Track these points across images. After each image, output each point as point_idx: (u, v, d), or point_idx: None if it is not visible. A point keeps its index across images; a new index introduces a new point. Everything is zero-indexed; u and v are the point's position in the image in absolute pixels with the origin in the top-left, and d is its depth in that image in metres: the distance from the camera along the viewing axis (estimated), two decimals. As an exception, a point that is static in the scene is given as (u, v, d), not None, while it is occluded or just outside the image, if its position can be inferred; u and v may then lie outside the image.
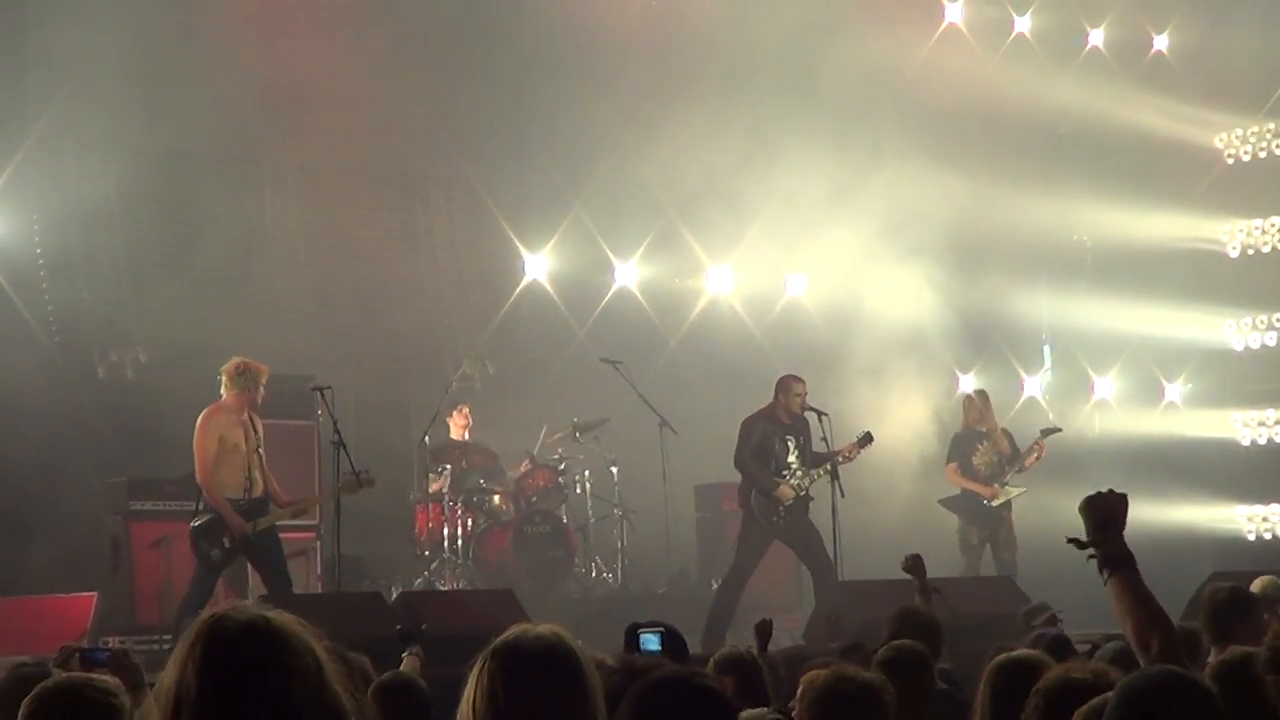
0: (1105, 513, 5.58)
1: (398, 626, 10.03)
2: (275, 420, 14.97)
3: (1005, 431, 17.97)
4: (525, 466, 19.05)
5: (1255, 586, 11.71)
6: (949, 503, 17.70)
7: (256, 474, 14.26)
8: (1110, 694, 4.41)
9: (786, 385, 16.32)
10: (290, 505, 14.57)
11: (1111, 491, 5.63)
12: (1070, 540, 5.61)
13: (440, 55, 20.32)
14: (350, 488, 14.24)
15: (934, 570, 15.23)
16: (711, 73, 20.47)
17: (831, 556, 15.97)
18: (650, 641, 6.18)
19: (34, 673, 6.62)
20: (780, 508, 16.00)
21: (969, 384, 23.05)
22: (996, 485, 17.37)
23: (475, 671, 3.84)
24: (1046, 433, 17.82)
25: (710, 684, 4.53)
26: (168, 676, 3.38)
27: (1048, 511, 17.36)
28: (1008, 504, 17.41)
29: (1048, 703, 5.19)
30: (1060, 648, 8.53)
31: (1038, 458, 17.55)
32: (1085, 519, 5.61)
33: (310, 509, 14.53)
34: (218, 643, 3.39)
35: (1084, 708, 4.79)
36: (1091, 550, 5.54)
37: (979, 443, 17.67)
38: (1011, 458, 17.57)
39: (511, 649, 3.86)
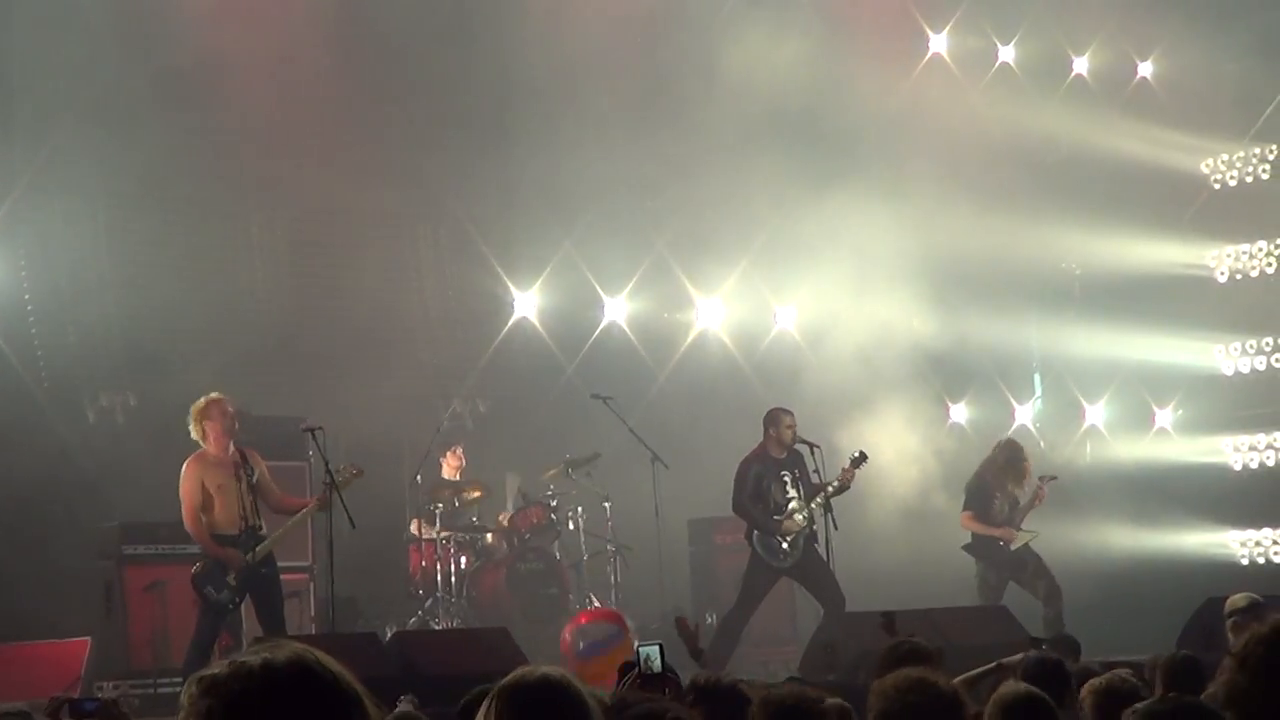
0: None
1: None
2: (268, 462, 14.96)
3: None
4: (518, 504, 19.06)
5: (1234, 602, 11.81)
6: (969, 548, 17.56)
7: (249, 509, 14.29)
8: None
9: (775, 418, 16.33)
10: (307, 507, 14.64)
11: None
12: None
13: (427, 94, 20.39)
14: (347, 482, 14.28)
15: (933, 599, 15.27)
16: (698, 108, 20.49)
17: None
18: (654, 656, 6.20)
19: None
20: (785, 544, 15.99)
21: (960, 413, 23.10)
22: (1012, 529, 17.28)
23: (482, 713, 3.85)
24: (1045, 480, 17.72)
25: (682, 716, 4.63)
26: None
27: (1044, 540, 17.41)
28: (1024, 544, 17.30)
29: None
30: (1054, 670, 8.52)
31: (1037, 503, 17.46)
32: None
33: (324, 507, 14.45)
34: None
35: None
36: None
37: (996, 491, 17.55)
38: (1016, 504, 17.50)
39: (517, 689, 3.88)
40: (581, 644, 16.04)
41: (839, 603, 15.81)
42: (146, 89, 18.12)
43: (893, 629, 10.89)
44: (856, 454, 16.29)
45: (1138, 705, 4.76)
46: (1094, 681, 7.06)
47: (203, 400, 14.42)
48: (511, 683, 3.90)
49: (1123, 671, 7.29)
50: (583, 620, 16.66)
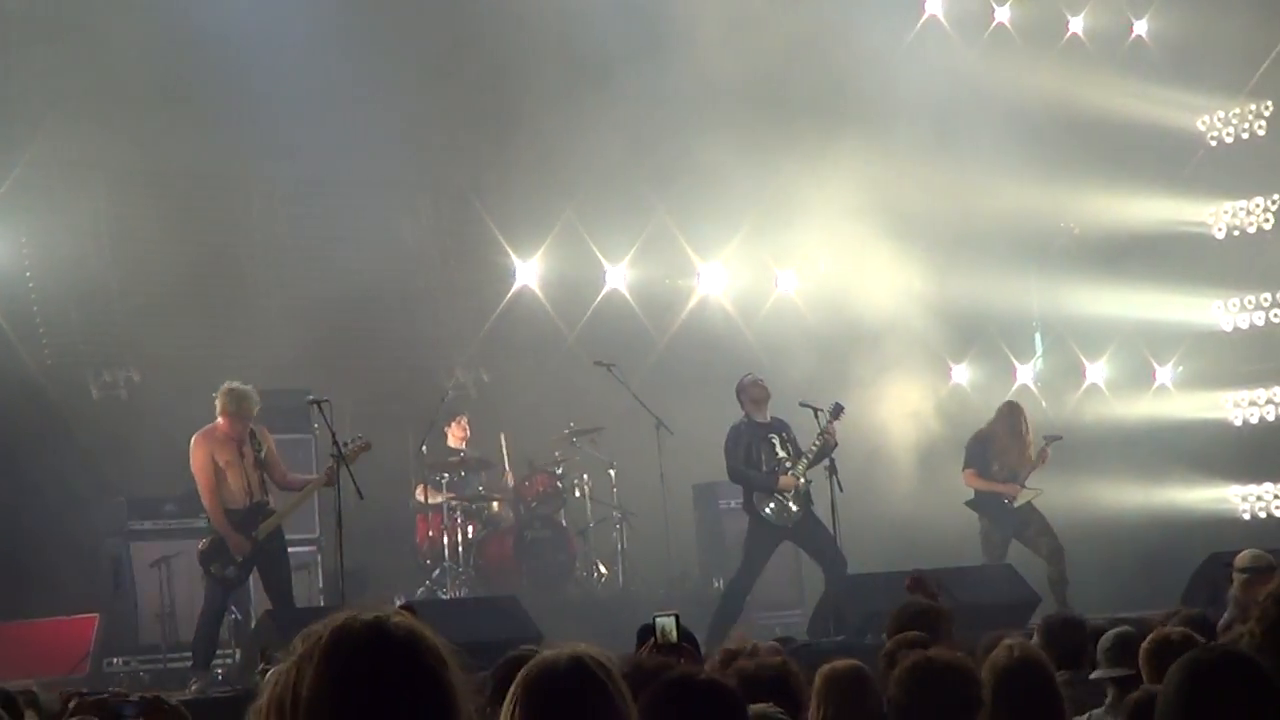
0: None
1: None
2: (274, 435, 14.98)
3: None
4: (523, 472, 19.09)
5: (1241, 560, 11.86)
6: (973, 504, 17.51)
7: (255, 484, 14.34)
8: None
9: (742, 387, 16.49)
10: (309, 484, 14.77)
11: None
12: None
13: (425, 62, 20.31)
14: (354, 455, 14.32)
15: (937, 559, 15.30)
16: (697, 72, 20.43)
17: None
18: (670, 628, 6.16)
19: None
20: (788, 501, 16.03)
21: (962, 374, 23.11)
22: (1016, 484, 17.22)
23: (507, 703, 3.77)
24: (1049, 440, 17.71)
25: (717, 680, 4.65)
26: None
27: (1047, 499, 17.44)
28: (1027, 503, 17.25)
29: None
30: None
31: (1041, 463, 17.40)
32: None
33: (330, 483, 14.42)
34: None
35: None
36: None
37: (995, 453, 17.48)
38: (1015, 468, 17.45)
39: (542, 677, 3.78)
40: None
41: (840, 565, 15.87)
42: (143, 63, 18.06)
43: (923, 587, 10.73)
44: (832, 405, 16.25)
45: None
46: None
47: (239, 389, 14.40)
48: (535, 669, 3.80)
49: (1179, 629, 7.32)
50: None
